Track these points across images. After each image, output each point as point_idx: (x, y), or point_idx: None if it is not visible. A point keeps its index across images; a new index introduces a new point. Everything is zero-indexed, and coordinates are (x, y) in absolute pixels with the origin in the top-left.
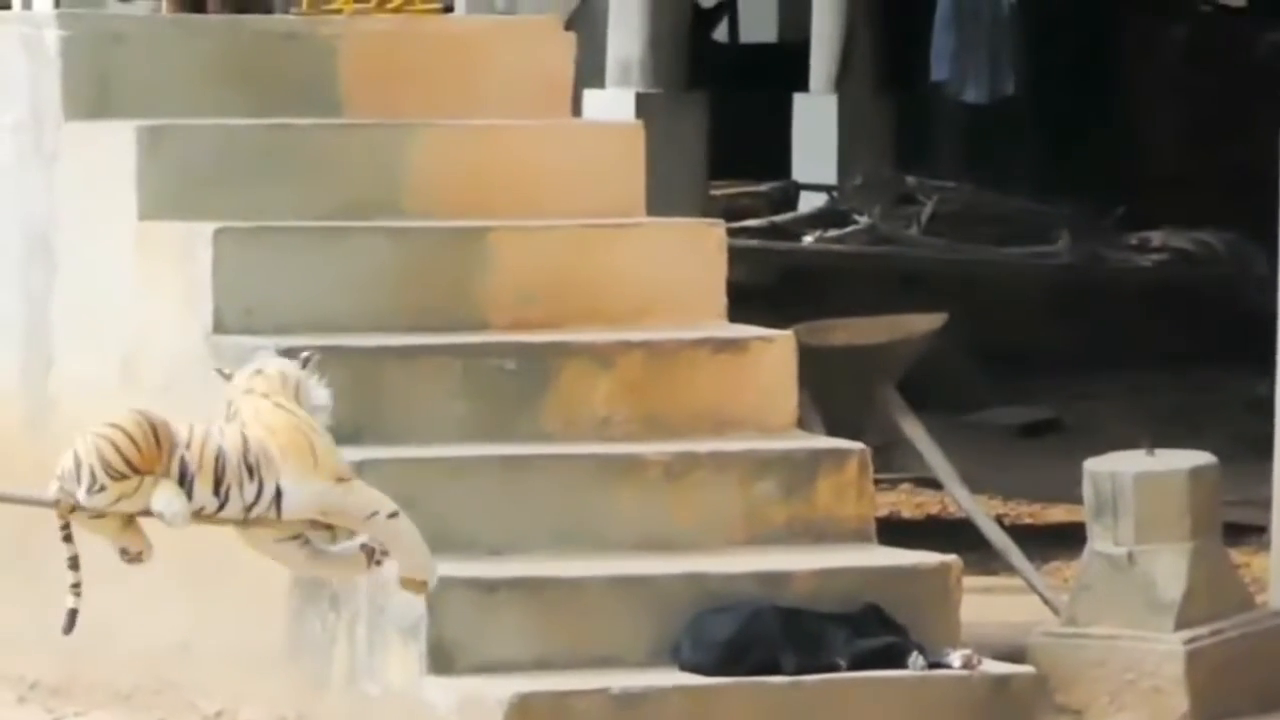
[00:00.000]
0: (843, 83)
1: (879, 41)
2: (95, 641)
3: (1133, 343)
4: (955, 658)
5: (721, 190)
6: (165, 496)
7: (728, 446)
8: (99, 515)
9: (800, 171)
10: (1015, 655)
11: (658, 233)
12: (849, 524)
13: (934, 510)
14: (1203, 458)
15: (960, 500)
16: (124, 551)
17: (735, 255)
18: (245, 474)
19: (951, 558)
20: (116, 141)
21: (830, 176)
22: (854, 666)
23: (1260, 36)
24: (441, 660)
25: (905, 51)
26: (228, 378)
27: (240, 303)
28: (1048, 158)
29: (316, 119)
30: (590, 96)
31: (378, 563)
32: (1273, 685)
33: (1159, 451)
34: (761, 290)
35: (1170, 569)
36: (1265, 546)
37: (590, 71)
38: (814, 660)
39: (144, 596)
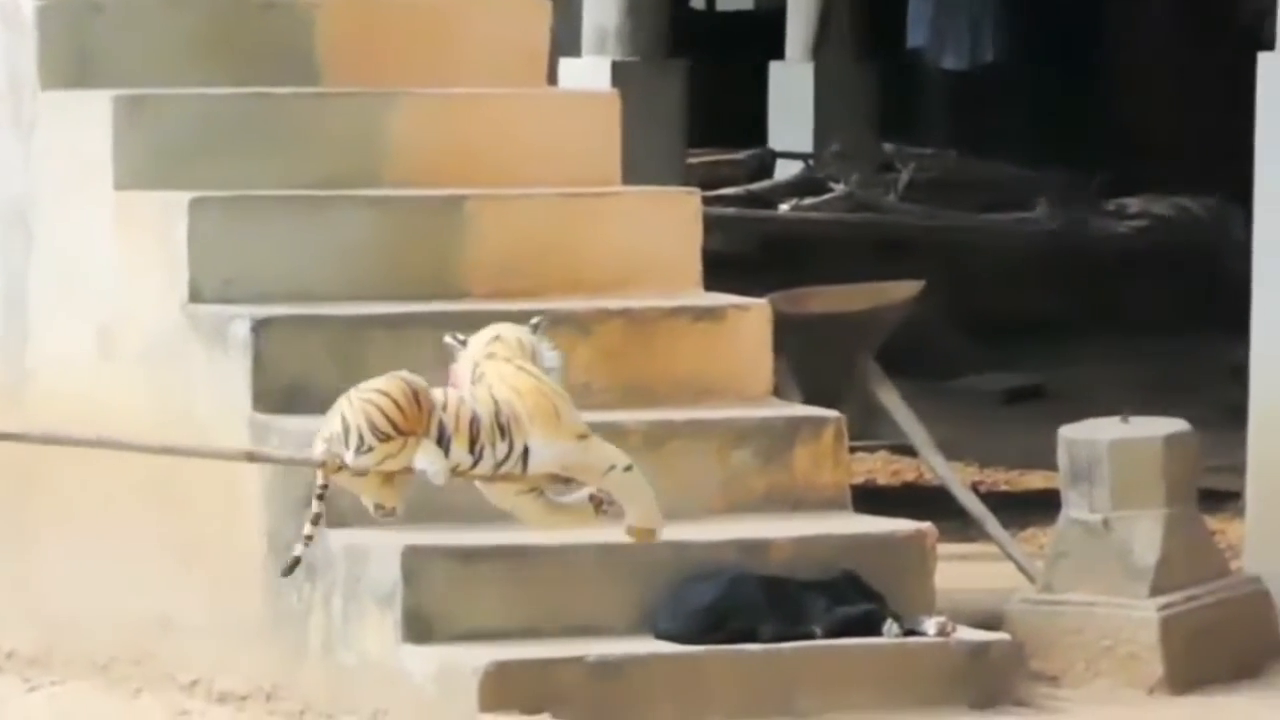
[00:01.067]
0: (819, 50)
1: (856, 8)
2: (73, 612)
3: (1114, 309)
4: (930, 625)
5: (698, 158)
6: (427, 456)
7: (706, 415)
8: (362, 474)
9: (777, 139)
10: (992, 622)
11: (634, 202)
12: (826, 492)
13: (911, 478)
14: (1178, 425)
15: (936, 468)
16: (378, 507)
17: (712, 223)
18: (497, 434)
19: (927, 525)
20: (94, 111)
21: (807, 144)
22: (830, 634)
23: (1241, 2)
24: (418, 629)
25: (882, 18)
26: (462, 344)
27: (218, 272)
28: (1027, 124)
29: (294, 88)
30: (567, 65)
31: (604, 511)
32: (1248, 650)
33: (1134, 419)
34: (739, 258)
35: (1146, 536)
36: (1241, 513)
37: (567, 40)
38: (792, 628)
39: (122, 568)
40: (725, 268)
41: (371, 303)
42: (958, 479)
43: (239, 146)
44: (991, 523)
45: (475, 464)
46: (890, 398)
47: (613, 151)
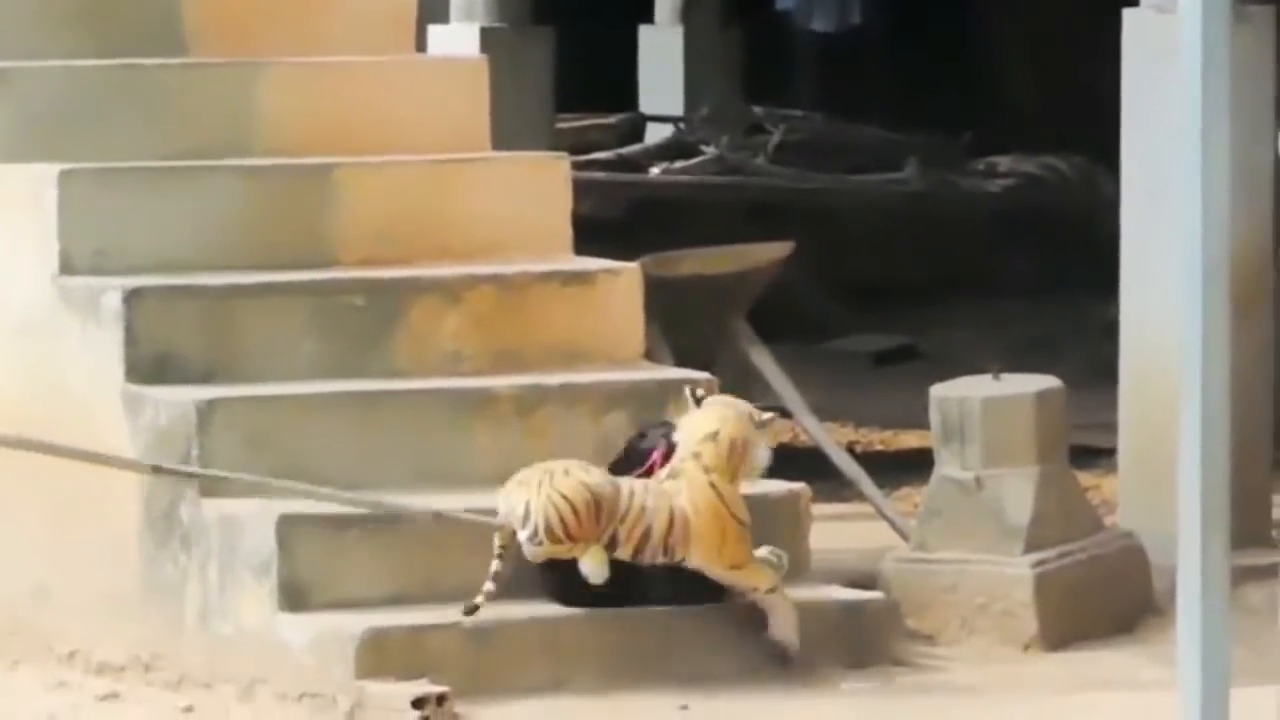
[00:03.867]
0: (689, 13)
1: None
2: None
3: (985, 268)
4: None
5: (568, 123)
6: (594, 565)
7: (578, 379)
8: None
9: (647, 103)
10: (867, 582)
11: (503, 167)
12: None
13: (786, 439)
14: (1048, 381)
15: (808, 428)
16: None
17: (583, 188)
18: (661, 551)
19: (800, 485)
20: None
21: (677, 108)
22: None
23: None
24: (294, 598)
25: None
26: (699, 401)
27: (89, 244)
28: (896, 86)
29: (162, 59)
30: (435, 32)
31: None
32: (1122, 606)
33: (1005, 376)
34: (610, 223)
35: (1018, 493)
36: (1115, 469)
37: (435, 6)
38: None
39: None
40: (597, 232)
41: (242, 272)
42: (831, 439)
43: (107, 118)
44: (865, 482)
45: (632, 560)
46: (762, 359)
47: (481, 117)
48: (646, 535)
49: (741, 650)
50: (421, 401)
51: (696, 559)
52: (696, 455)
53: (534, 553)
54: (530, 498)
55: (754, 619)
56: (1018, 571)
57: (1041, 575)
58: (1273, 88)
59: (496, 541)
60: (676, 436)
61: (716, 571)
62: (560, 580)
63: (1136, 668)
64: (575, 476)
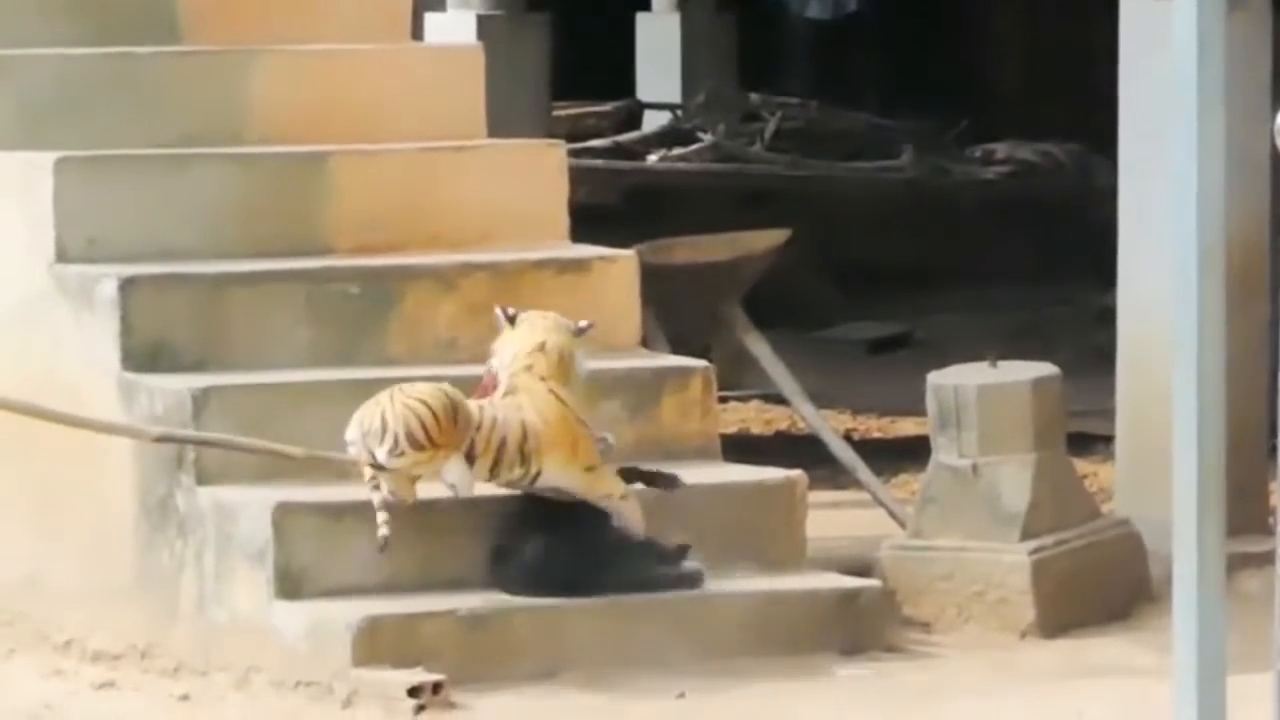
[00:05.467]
0: (685, 1)
1: None
2: None
3: (981, 256)
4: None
5: (565, 111)
6: (456, 470)
7: None
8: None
9: (644, 91)
10: (863, 569)
11: (498, 155)
12: (695, 441)
13: (783, 427)
14: (1045, 369)
15: (806, 416)
16: (392, 494)
17: (580, 176)
18: (518, 459)
19: (796, 473)
20: None
21: (674, 95)
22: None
23: None
24: (289, 586)
25: None
26: (510, 320)
27: (83, 232)
28: (892, 73)
29: (156, 47)
30: (431, 19)
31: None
32: (1118, 593)
33: (1001, 364)
34: (607, 210)
35: (1015, 480)
36: (1112, 456)
37: None
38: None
39: None
40: (594, 220)
41: (235, 260)
42: (828, 426)
43: (101, 106)
44: (862, 469)
45: (490, 479)
46: (758, 347)
47: (477, 105)
48: (503, 445)
49: (738, 635)
50: None
51: (552, 466)
52: (529, 368)
53: (397, 465)
54: (385, 409)
55: (746, 605)
56: (1014, 559)
57: (1038, 562)
58: (1269, 74)
59: (366, 475)
60: (495, 361)
61: (573, 477)
62: (515, 568)
63: (1132, 655)
64: (425, 386)
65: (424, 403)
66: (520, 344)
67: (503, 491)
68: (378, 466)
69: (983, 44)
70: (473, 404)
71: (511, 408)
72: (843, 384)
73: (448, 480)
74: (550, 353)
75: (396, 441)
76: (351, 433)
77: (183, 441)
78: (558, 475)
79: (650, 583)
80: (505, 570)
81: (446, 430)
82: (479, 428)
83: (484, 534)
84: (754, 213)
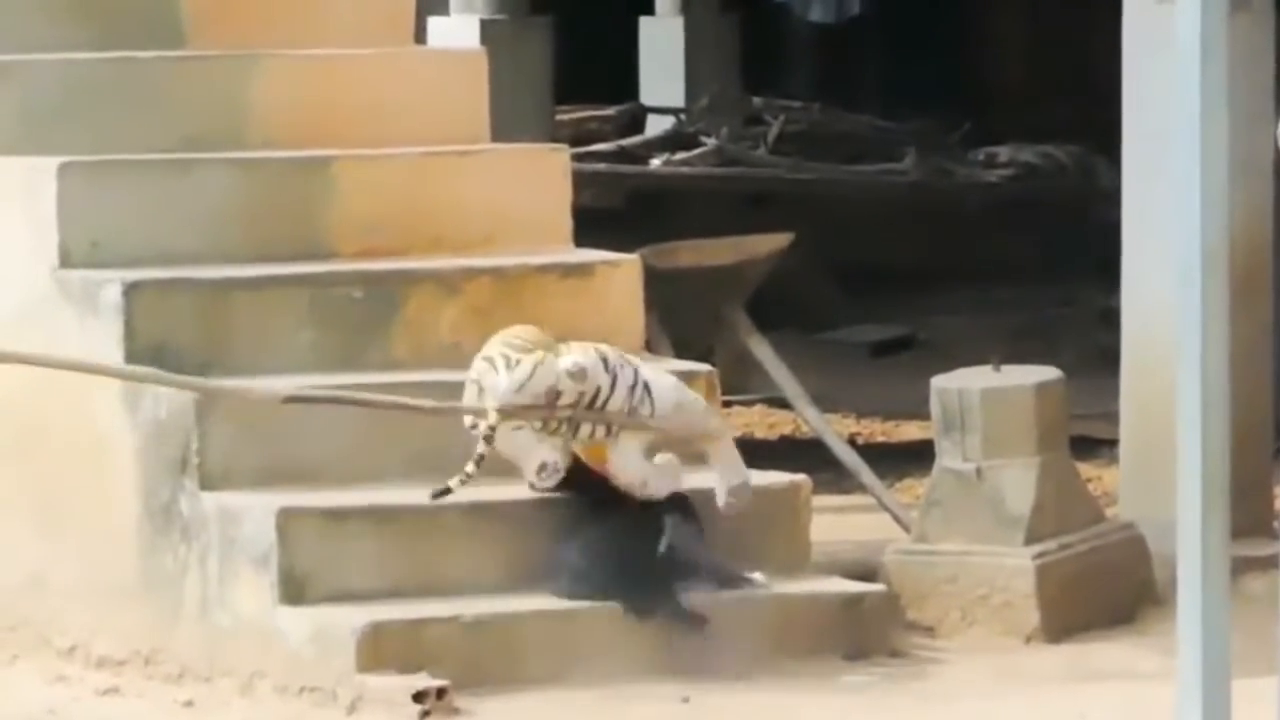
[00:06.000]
0: (688, 4)
1: None
2: None
3: (984, 259)
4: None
5: (569, 115)
6: (574, 355)
7: None
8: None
9: (647, 95)
10: (867, 574)
11: (501, 159)
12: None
13: (787, 430)
14: (1049, 373)
15: (809, 420)
16: (542, 467)
17: (583, 180)
18: (620, 365)
19: (800, 477)
20: None
21: (678, 99)
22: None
23: None
24: (293, 590)
25: None
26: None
27: (86, 236)
28: (895, 75)
29: (159, 51)
30: (434, 23)
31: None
32: (1123, 597)
33: (1005, 367)
34: (611, 214)
35: (1019, 484)
36: (1117, 460)
37: None
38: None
39: None
40: (598, 223)
41: (238, 265)
42: (832, 430)
43: (105, 110)
44: (866, 473)
45: (611, 392)
46: (762, 350)
47: (480, 110)
48: (604, 356)
49: (743, 640)
50: (419, 393)
51: (647, 372)
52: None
53: (520, 378)
54: (484, 355)
55: (753, 611)
56: (1018, 562)
57: (1042, 566)
58: (1272, 76)
59: (483, 427)
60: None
61: (671, 380)
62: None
63: (1137, 658)
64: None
65: (509, 331)
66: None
67: (512, 498)
68: (503, 411)
69: (985, 46)
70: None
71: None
72: (846, 387)
73: (566, 365)
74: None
75: (508, 357)
76: (468, 396)
77: (314, 400)
78: (661, 382)
79: (657, 611)
80: (556, 570)
81: (537, 340)
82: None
83: (488, 537)
84: (757, 216)
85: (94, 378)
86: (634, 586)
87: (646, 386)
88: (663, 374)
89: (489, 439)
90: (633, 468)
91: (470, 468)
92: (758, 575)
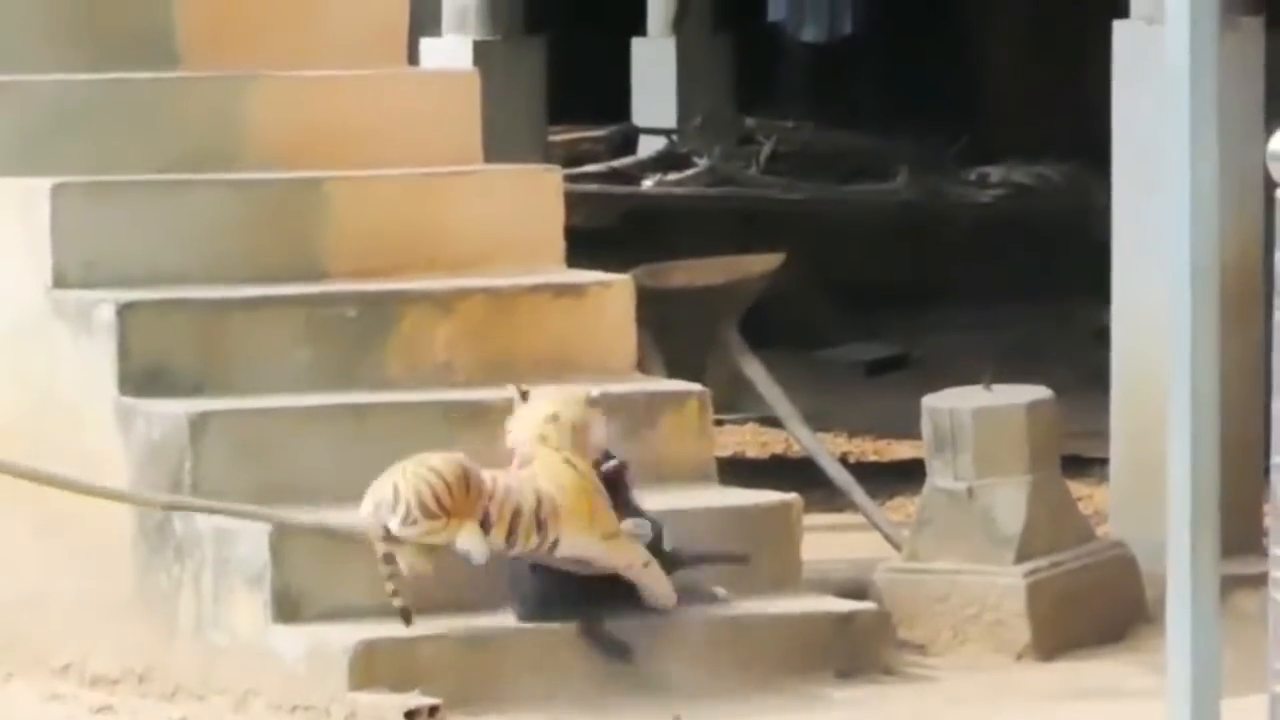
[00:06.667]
0: (680, 25)
1: None
2: None
3: (977, 278)
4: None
5: (561, 135)
6: (471, 539)
7: None
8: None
9: (640, 115)
10: (859, 592)
11: (494, 180)
12: (691, 464)
13: (779, 449)
14: (1040, 392)
15: (800, 438)
16: (411, 566)
17: (576, 200)
18: (535, 527)
19: (791, 496)
20: None
21: (670, 120)
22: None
23: None
24: (287, 609)
25: None
26: (524, 396)
27: (81, 257)
28: (887, 96)
29: (154, 72)
30: (427, 44)
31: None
32: (1113, 615)
33: (997, 387)
34: (603, 234)
35: (1010, 503)
36: (1108, 478)
37: (427, 19)
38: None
39: None
40: (591, 244)
41: (232, 285)
42: (823, 449)
43: (99, 131)
44: (858, 492)
45: (507, 549)
46: (754, 369)
47: (473, 130)
48: (517, 514)
49: (734, 658)
50: (413, 413)
51: (570, 534)
52: (543, 438)
53: (410, 534)
54: (397, 480)
55: (742, 629)
56: (1009, 581)
57: (1033, 585)
58: (1262, 96)
59: (378, 551)
60: (510, 438)
61: (592, 545)
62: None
63: (1128, 676)
64: (438, 456)
65: (436, 471)
66: (532, 416)
67: None
68: (391, 538)
69: (978, 65)
70: (486, 473)
71: (526, 477)
72: (839, 405)
73: (462, 548)
74: (563, 423)
75: (409, 510)
76: (365, 507)
77: (190, 510)
78: (575, 543)
79: (589, 633)
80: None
81: (459, 498)
82: (492, 496)
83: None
84: (750, 236)
85: (89, 397)
86: (582, 610)
87: (554, 543)
88: (581, 534)
89: (389, 560)
90: (616, 562)
91: (390, 588)
92: (719, 591)
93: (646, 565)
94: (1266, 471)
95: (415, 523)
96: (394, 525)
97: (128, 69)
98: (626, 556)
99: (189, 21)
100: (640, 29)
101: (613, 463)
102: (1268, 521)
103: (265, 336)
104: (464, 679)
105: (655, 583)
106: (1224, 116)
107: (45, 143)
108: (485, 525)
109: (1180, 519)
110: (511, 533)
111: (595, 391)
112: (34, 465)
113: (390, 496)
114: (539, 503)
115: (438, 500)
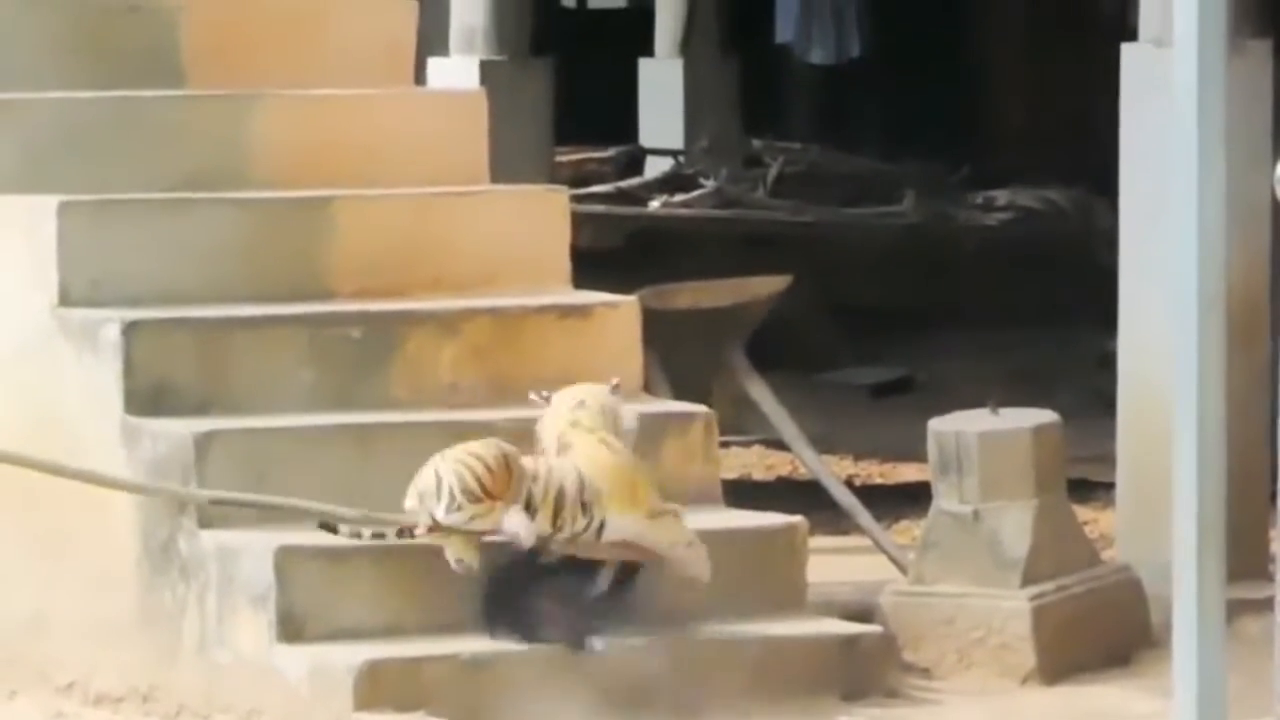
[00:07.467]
0: (688, 46)
1: (723, 4)
2: None
3: (982, 301)
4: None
5: (568, 156)
6: (517, 520)
7: None
8: (449, 531)
9: (647, 136)
10: (864, 615)
11: (500, 200)
12: (696, 486)
13: (784, 472)
14: (1046, 416)
15: (805, 460)
16: (459, 561)
17: (582, 221)
18: (579, 510)
19: (797, 518)
20: None
21: (677, 141)
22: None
23: None
24: (291, 629)
25: (750, 14)
26: (546, 400)
27: (86, 275)
28: (893, 119)
29: (160, 91)
30: (434, 64)
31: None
32: (1119, 639)
33: (1003, 410)
34: (610, 255)
35: (1015, 526)
36: (1113, 502)
37: (434, 39)
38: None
39: None
40: (596, 265)
41: (237, 304)
42: (829, 471)
43: (105, 149)
44: (863, 515)
45: (555, 533)
46: (759, 391)
47: (480, 150)
48: (561, 494)
49: (740, 679)
50: (418, 433)
51: (614, 513)
52: (575, 424)
53: (455, 521)
54: (438, 468)
55: (747, 651)
56: (1015, 604)
57: (1039, 608)
58: (1270, 120)
59: (420, 528)
60: (544, 442)
61: (638, 523)
62: (508, 615)
63: (1133, 700)
64: (476, 442)
65: (476, 456)
66: (560, 409)
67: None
68: (437, 528)
69: (985, 88)
70: (527, 457)
71: (566, 460)
72: (845, 428)
73: (510, 530)
74: (592, 406)
75: (453, 496)
76: (409, 499)
77: (240, 504)
78: (622, 524)
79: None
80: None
81: (501, 480)
82: (535, 478)
83: (486, 578)
84: (756, 258)
85: (94, 415)
86: (560, 632)
87: (601, 525)
88: (626, 512)
89: (403, 536)
90: (661, 541)
91: (366, 534)
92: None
93: (690, 545)
94: (1273, 496)
95: (460, 508)
96: (440, 513)
97: (133, 87)
98: (671, 534)
99: (194, 40)
100: (648, 50)
101: None
102: (1274, 546)
103: (270, 356)
104: (468, 700)
105: (697, 562)
106: (1231, 140)
107: (51, 161)
108: (530, 508)
109: (1186, 543)
110: (557, 514)
111: (615, 379)
112: (51, 466)
113: (433, 485)
114: (581, 484)
115: (480, 483)
